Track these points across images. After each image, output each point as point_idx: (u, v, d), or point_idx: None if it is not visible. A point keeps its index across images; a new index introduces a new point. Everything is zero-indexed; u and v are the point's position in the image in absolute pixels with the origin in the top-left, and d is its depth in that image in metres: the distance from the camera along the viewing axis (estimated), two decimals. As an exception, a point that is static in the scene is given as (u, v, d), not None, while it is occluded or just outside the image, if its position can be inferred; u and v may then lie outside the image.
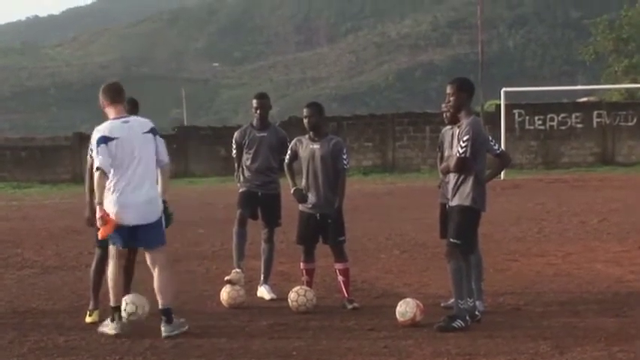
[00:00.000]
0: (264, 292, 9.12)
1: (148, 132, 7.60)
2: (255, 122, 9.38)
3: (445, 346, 6.76)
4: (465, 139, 7.41)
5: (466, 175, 7.50)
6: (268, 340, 7.17)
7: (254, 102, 9.36)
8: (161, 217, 7.66)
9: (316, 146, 8.59)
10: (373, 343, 6.99)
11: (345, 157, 8.62)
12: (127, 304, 7.77)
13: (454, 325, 7.31)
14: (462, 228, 7.53)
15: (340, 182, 8.59)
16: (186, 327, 7.47)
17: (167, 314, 7.43)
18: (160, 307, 7.46)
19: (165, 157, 7.72)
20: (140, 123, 7.66)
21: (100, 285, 8.16)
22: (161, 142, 7.71)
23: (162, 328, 7.37)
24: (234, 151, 9.50)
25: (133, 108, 8.44)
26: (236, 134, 9.51)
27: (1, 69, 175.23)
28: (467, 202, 7.50)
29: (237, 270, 8.97)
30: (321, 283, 9.35)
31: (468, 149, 7.39)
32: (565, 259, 11.23)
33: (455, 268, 7.52)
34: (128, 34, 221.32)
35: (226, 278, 8.80)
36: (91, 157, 7.65)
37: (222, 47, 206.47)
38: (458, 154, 7.45)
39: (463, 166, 7.46)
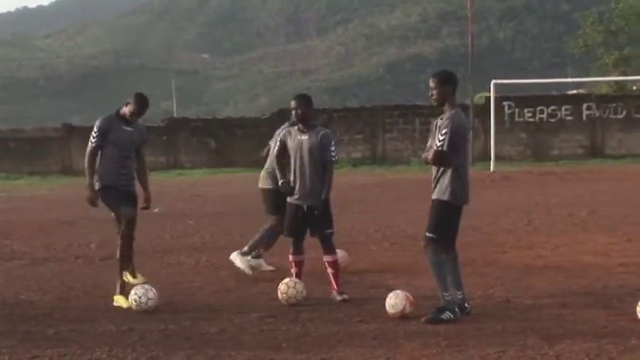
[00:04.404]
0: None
1: None
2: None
3: (435, 338, 6.77)
4: (443, 132, 7.33)
5: (445, 168, 7.46)
6: (258, 332, 7.16)
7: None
8: None
9: (304, 137, 8.56)
10: (363, 335, 6.99)
11: (333, 149, 8.58)
12: (134, 293, 7.84)
13: (443, 317, 7.30)
14: (438, 222, 7.51)
15: (327, 174, 8.54)
16: None
17: None
18: None
19: None
20: None
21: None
22: None
23: None
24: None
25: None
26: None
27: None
28: (444, 197, 7.44)
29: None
30: (310, 274, 9.34)
31: (446, 142, 7.31)
32: (554, 252, 11.25)
33: (433, 261, 7.52)
34: (118, 26, 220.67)
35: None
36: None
37: (212, 39, 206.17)
38: (435, 147, 7.42)
39: (440, 159, 7.38)
